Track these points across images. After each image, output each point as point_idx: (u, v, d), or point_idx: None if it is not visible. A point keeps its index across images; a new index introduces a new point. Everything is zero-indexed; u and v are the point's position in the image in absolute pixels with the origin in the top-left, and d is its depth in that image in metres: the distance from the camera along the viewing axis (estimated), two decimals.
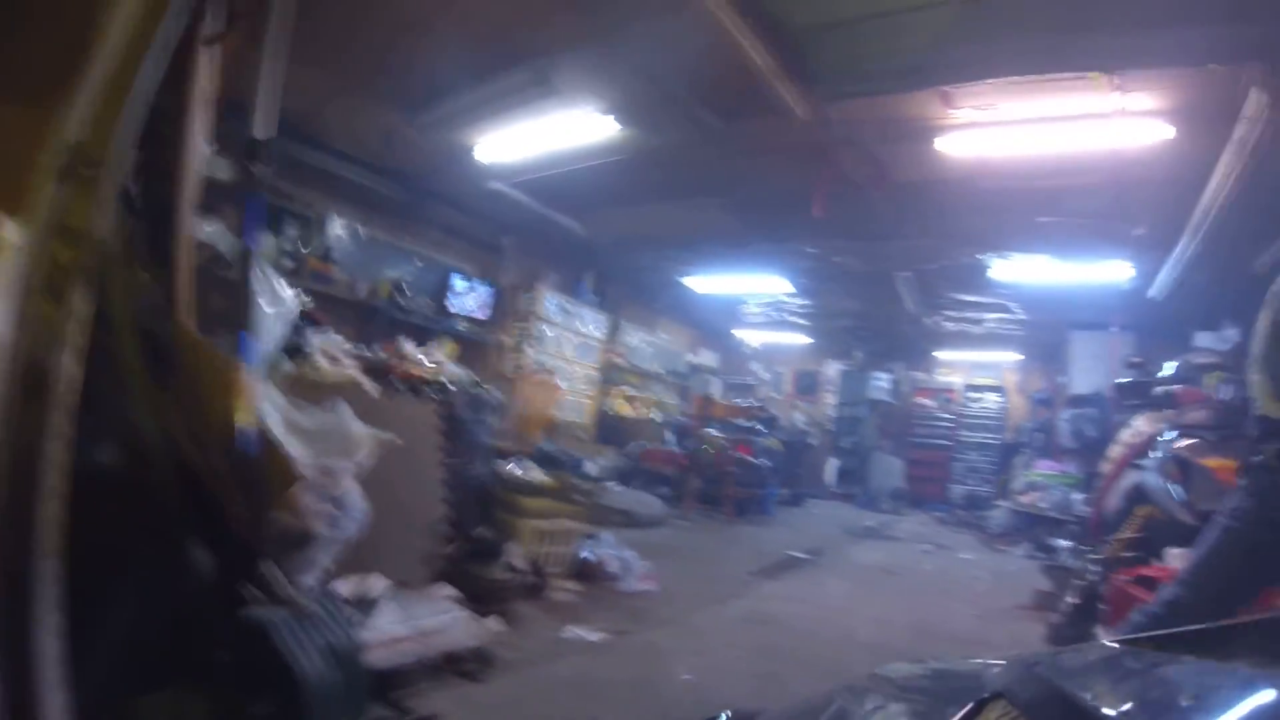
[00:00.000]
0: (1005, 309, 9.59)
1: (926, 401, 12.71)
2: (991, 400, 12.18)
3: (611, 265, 10.26)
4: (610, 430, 10.24)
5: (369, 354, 5.11)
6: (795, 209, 6.26)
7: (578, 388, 9.74)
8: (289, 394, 2.59)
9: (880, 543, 7.01)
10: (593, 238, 8.77)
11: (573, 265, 9.89)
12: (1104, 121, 4.62)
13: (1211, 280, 7.34)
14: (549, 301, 9.24)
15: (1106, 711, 0.66)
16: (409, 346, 4.34)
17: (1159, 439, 4.54)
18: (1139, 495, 4.43)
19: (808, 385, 14.40)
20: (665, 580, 4.06)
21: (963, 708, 0.77)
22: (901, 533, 8.16)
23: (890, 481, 11.20)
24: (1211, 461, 4.05)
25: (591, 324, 10.00)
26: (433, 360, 4.43)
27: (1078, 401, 9.54)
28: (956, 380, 12.89)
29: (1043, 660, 0.88)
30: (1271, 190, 5.22)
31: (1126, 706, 0.69)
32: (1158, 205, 5.88)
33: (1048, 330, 10.32)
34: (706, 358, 14.26)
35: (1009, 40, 3.93)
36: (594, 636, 2.97)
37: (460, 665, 2.47)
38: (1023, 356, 12.04)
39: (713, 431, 7.48)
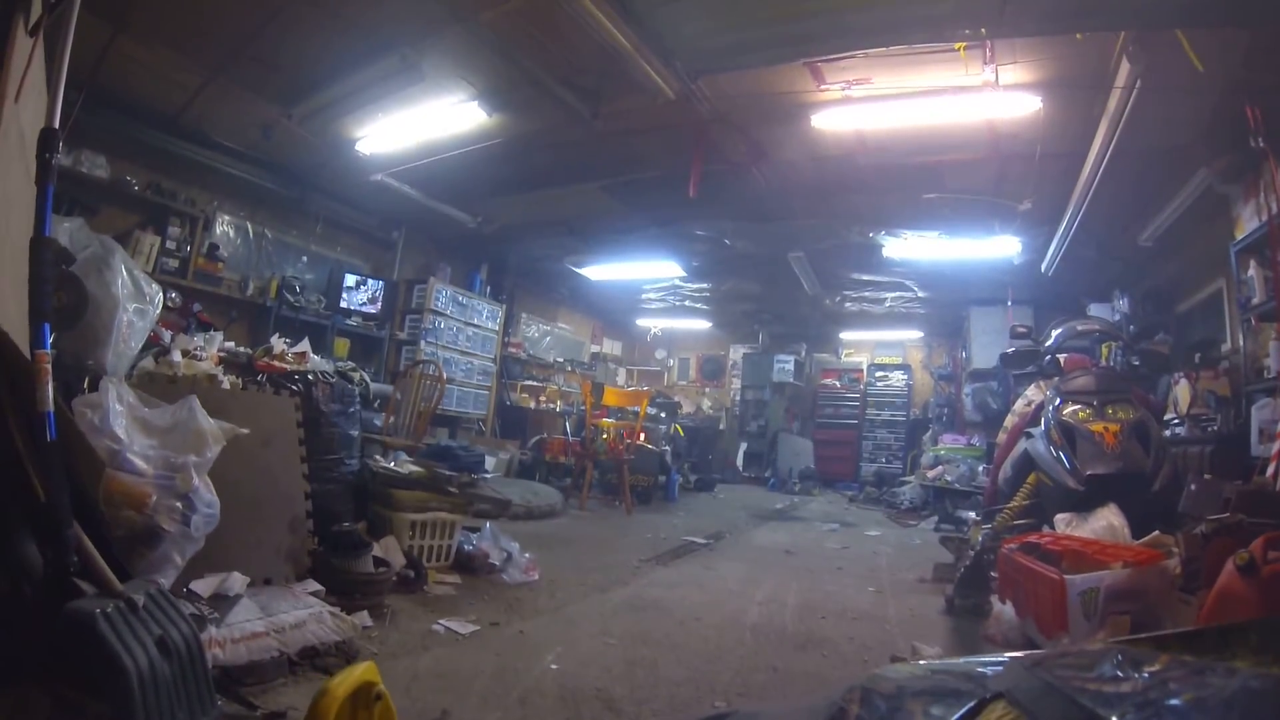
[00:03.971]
0: (904, 287, 9.84)
1: (832, 382, 12.97)
2: (897, 378, 12.52)
3: (505, 256, 10.22)
4: (512, 423, 10.21)
5: (234, 350, 4.92)
6: (676, 190, 6.30)
7: (475, 381, 9.64)
8: (143, 391, 2.60)
9: (785, 524, 7.08)
10: (482, 228, 8.67)
11: (466, 258, 9.89)
12: (976, 95, 4.75)
13: (1099, 253, 7.66)
14: (442, 294, 9.16)
15: (1107, 712, 0.67)
16: (275, 340, 4.33)
17: (1047, 405, 4.65)
18: (1028, 463, 4.53)
19: (713, 370, 14.54)
20: (550, 571, 3.97)
21: (963, 708, 0.77)
22: (809, 513, 8.27)
23: (800, 463, 11.38)
24: (1095, 426, 4.18)
25: (487, 316, 9.94)
26: (296, 353, 4.25)
27: (979, 375, 9.87)
28: (861, 360, 13.19)
29: (1044, 661, 0.90)
30: (1147, 161, 5.46)
31: (1127, 707, 0.69)
32: (1040, 179, 6.08)
33: (948, 307, 10.66)
34: (609, 347, 14.23)
35: (873, 11, 3.93)
36: (465, 629, 2.87)
37: (320, 660, 2.40)
38: (924, 334, 12.40)
39: (608, 419, 7.38)
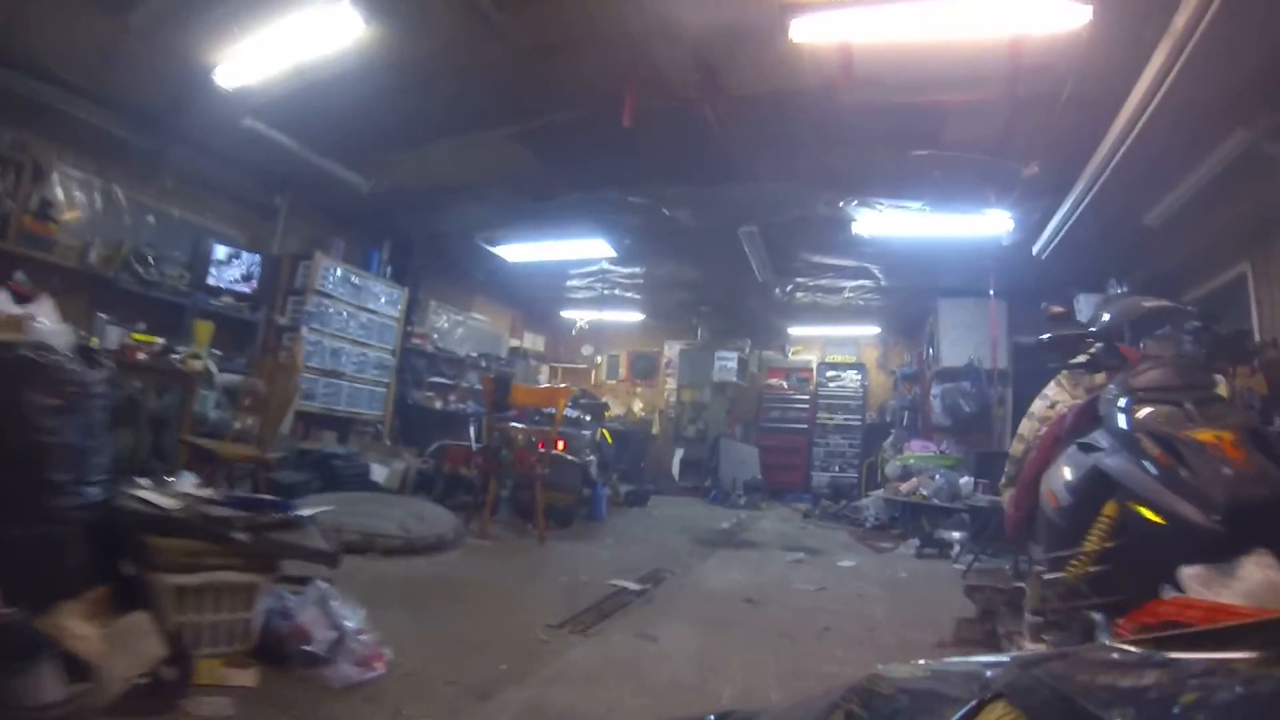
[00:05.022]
0: (867, 274, 8.68)
1: (779, 382, 11.76)
2: (850, 379, 11.39)
3: (409, 233, 8.78)
4: (416, 426, 8.80)
5: None
6: (604, 140, 5.29)
7: (370, 376, 8.22)
8: None
9: (738, 553, 5.76)
10: (376, 194, 7.21)
11: (365, 233, 8.50)
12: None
13: (1101, 234, 6.68)
14: (332, 273, 7.72)
15: (1107, 712, 0.67)
16: None
17: (1116, 408, 3.42)
18: (1103, 487, 3.24)
19: (645, 368, 13.21)
20: (410, 653, 2.59)
21: (963, 708, 0.78)
22: (762, 535, 7.00)
23: (744, 471, 10.11)
24: (1202, 434, 2.95)
25: (386, 301, 8.50)
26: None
27: (949, 375, 8.80)
28: (811, 358, 12.05)
29: (1044, 661, 0.88)
30: (1179, 119, 4.43)
31: (1127, 707, 0.70)
32: (1056, 136, 5.05)
33: (912, 299, 9.61)
34: (531, 342, 12.81)
35: None
36: None
37: None
38: (882, 330, 11.31)
39: (515, 424, 5.95)
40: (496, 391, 5.34)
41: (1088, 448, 3.58)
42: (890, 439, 9.30)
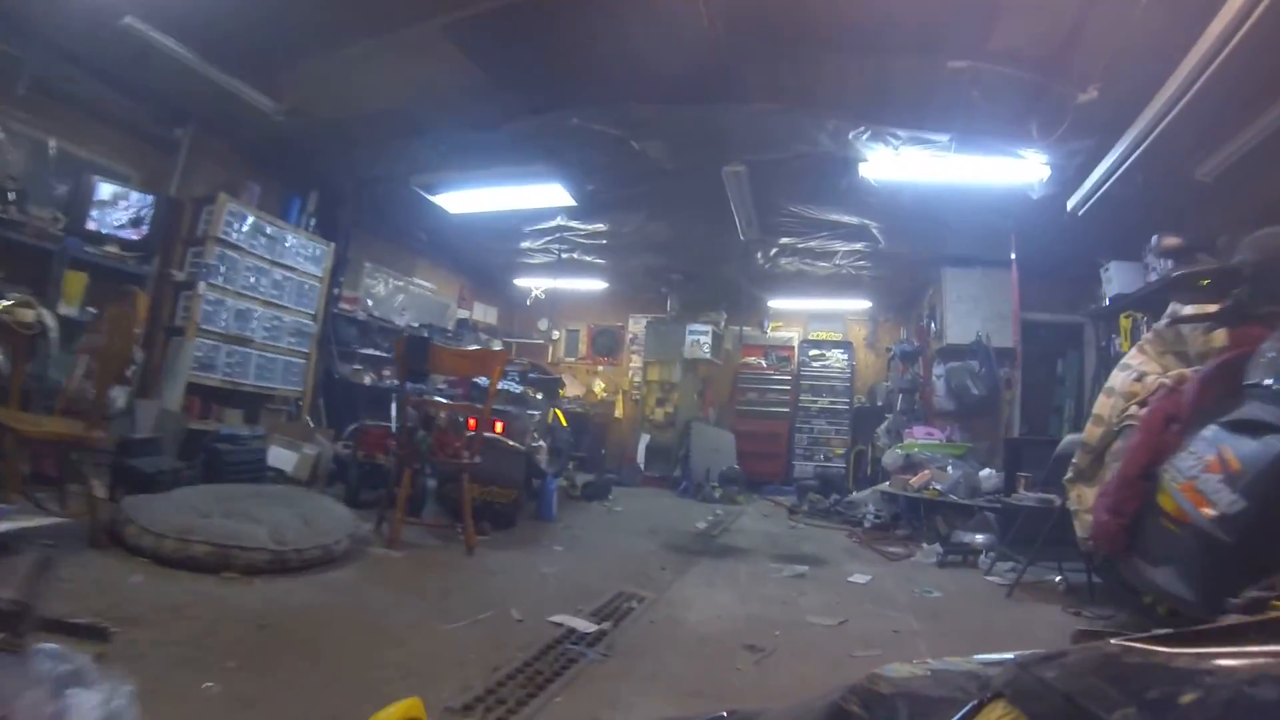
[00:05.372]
0: (866, 236, 7.52)
1: (757, 360, 10.60)
2: (836, 358, 10.26)
3: (338, 180, 7.43)
4: (343, 405, 7.54)
5: None
6: (562, 40, 4.34)
7: (285, 344, 6.97)
8: None
9: (721, 565, 4.58)
10: (293, 124, 5.91)
11: (285, 178, 7.22)
12: None
13: (1147, 188, 5.63)
14: (241, 221, 6.45)
15: (1107, 712, 0.69)
16: None
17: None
18: None
19: (607, 344, 11.99)
20: None
21: (963, 708, 0.80)
22: (746, 536, 5.85)
23: (719, 461, 8.95)
24: None
25: (308, 258, 7.21)
26: None
27: (954, 353, 7.73)
28: (792, 335, 10.92)
29: (1044, 661, 0.85)
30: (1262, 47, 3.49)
31: (1128, 707, 0.70)
32: (1130, 48, 4.01)
33: (913, 267, 8.55)
34: (482, 313, 11.53)
35: None
36: None
37: None
38: (872, 304, 10.21)
39: (438, 398, 4.71)
40: (410, 355, 4.06)
41: (1252, 427, 2.48)
42: (885, 425, 8.21)
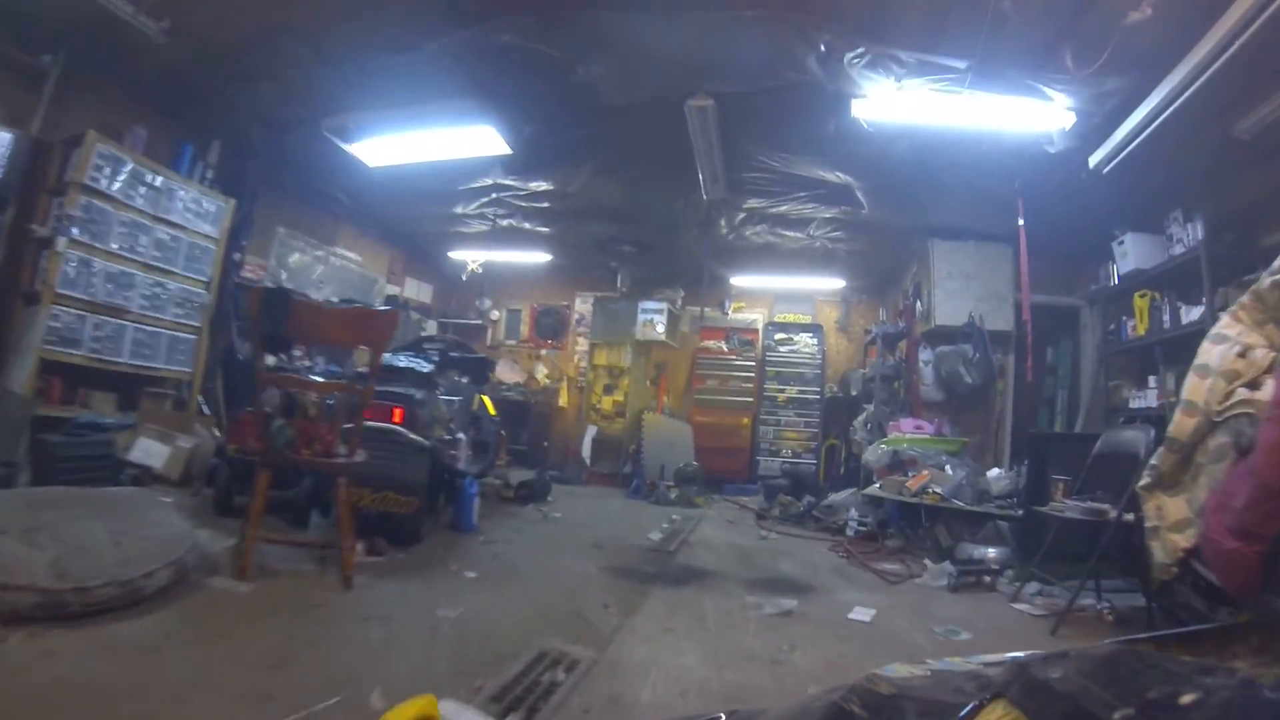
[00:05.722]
0: (847, 197, 6.54)
1: (717, 344, 9.58)
2: (805, 343, 9.29)
3: (239, 120, 6.20)
4: (246, 390, 6.23)
5: None
6: None
7: (169, 318, 5.86)
8: None
9: (681, 596, 3.56)
10: (175, 42, 4.71)
11: (178, 123, 6.10)
12: None
13: (1178, 145, 4.76)
14: (115, 169, 5.31)
15: (1107, 712, 0.68)
16: None
17: None
18: None
19: (551, 326, 10.88)
20: None
21: (963, 708, 0.79)
22: (712, 551, 4.84)
23: (676, 456, 7.93)
24: None
25: (201, 215, 6.09)
26: None
27: (943, 336, 6.86)
28: (756, 317, 9.94)
29: (1044, 661, 0.86)
30: None
31: (1128, 707, 0.69)
32: None
33: (891, 241, 7.72)
34: (416, 290, 10.38)
35: None
36: None
37: None
38: (846, 283, 9.28)
39: (314, 376, 3.63)
40: (267, 314, 2.93)
41: None
42: (863, 416, 7.28)
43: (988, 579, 4.14)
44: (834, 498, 6.23)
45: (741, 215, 7.23)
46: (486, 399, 5.80)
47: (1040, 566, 3.86)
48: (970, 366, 6.48)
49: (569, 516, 5.73)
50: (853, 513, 5.73)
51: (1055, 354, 7.68)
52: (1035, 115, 4.74)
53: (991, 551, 4.48)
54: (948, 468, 5.21)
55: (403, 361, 4.31)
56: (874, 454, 6.04)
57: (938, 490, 4.90)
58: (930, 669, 1.02)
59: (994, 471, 5.04)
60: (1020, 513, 4.35)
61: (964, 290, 6.93)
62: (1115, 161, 4.94)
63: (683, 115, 5.08)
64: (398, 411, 3.86)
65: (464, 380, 5.62)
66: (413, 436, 3.80)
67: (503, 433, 6.09)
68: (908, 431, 6.21)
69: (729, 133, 5.34)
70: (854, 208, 6.72)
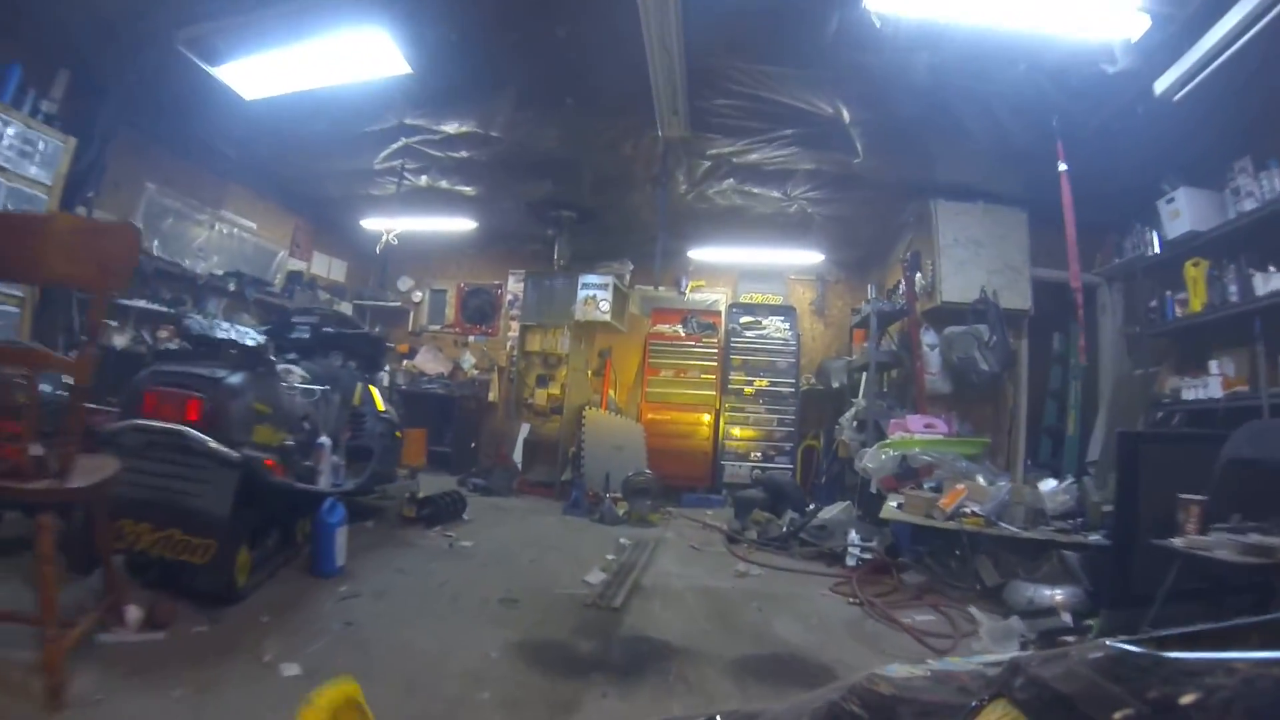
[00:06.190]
0: (839, 137, 5.27)
1: (673, 329, 8.24)
2: (776, 327, 8.00)
3: (79, 38, 4.85)
4: (106, 377, 4.82)
5: None
6: None
7: None
8: None
9: (630, 710, 2.16)
10: None
11: (10, 39, 4.72)
12: None
13: (1260, 73, 3.81)
14: None
15: (1107, 712, 0.66)
16: None
17: None
18: None
19: (480, 309, 9.45)
20: None
21: (963, 709, 0.77)
22: (673, 607, 3.50)
23: (624, 461, 6.56)
24: None
25: (27, 158, 4.75)
26: None
27: (951, 315, 5.68)
28: (718, 297, 8.65)
29: (1044, 661, 0.81)
30: None
31: (1128, 707, 0.67)
32: None
33: (884, 204, 6.55)
34: (326, 267, 8.93)
35: None
36: None
37: None
38: (824, 257, 8.05)
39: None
40: None
41: None
42: (851, 412, 6.02)
43: (1071, 639, 2.91)
44: (824, 515, 4.95)
45: (706, 165, 5.92)
46: (375, 391, 4.38)
47: (1156, 623, 2.64)
48: (985, 351, 5.29)
49: (483, 545, 4.33)
50: (852, 535, 4.46)
51: (1063, 340, 6.57)
52: (1100, 14, 3.58)
53: (1059, 594, 3.26)
54: (980, 478, 3.98)
55: (223, 332, 2.91)
56: (875, 459, 4.78)
57: (976, 510, 3.66)
58: (931, 669, 0.96)
59: (1048, 485, 3.83)
60: (1110, 542, 3.12)
61: (974, 260, 5.75)
62: (1191, 86, 3.81)
63: (634, 10, 3.76)
64: (192, 405, 2.47)
65: (348, 365, 4.21)
66: (212, 444, 2.40)
67: (399, 434, 4.68)
68: (917, 431, 4.97)
69: (695, 34, 4.01)
70: (845, 154, 5.46)
